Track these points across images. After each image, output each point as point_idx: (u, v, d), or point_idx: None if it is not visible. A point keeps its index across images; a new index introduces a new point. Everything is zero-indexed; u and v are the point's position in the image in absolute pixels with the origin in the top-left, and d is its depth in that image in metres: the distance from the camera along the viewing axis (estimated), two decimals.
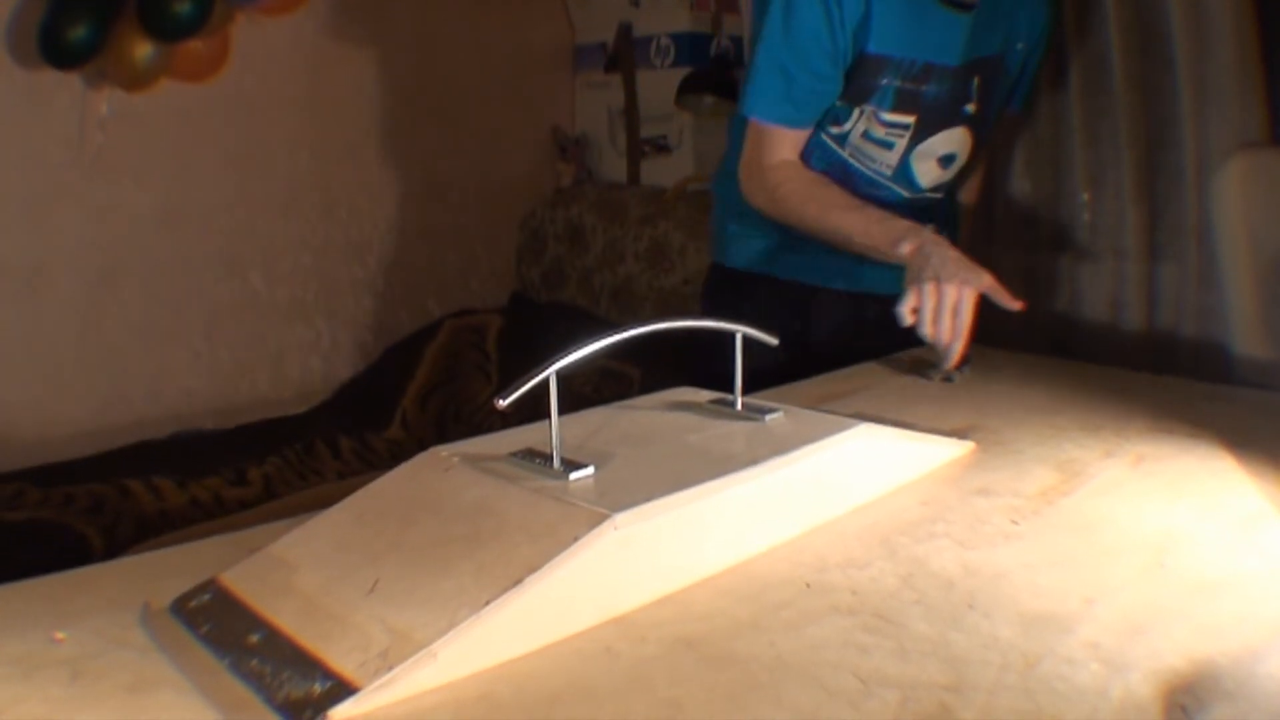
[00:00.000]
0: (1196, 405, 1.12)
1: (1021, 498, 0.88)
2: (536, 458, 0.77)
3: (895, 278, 1.54)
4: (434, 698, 0.59)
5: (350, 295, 3.20)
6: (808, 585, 0.72)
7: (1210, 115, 1.87)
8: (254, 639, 0.64)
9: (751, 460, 0.79)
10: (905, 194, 1.53)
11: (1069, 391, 1.20)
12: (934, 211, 1.59)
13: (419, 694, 0.59)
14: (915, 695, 0.58)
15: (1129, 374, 1.29)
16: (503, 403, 0.74)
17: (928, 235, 1.29)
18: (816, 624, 0.67)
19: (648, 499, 0.70)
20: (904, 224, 1.32)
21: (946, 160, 1.51)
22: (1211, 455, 0.97)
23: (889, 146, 1.47)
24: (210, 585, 0.72)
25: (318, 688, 0.59)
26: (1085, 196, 2.17)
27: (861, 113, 1.43)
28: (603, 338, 0.81)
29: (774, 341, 0.93)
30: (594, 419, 0.92)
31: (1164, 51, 1.91)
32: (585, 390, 2.55)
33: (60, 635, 0.66)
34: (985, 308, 1.25)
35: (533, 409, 0.79)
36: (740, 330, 0.91)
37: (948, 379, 1.24)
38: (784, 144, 1.44)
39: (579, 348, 0.79)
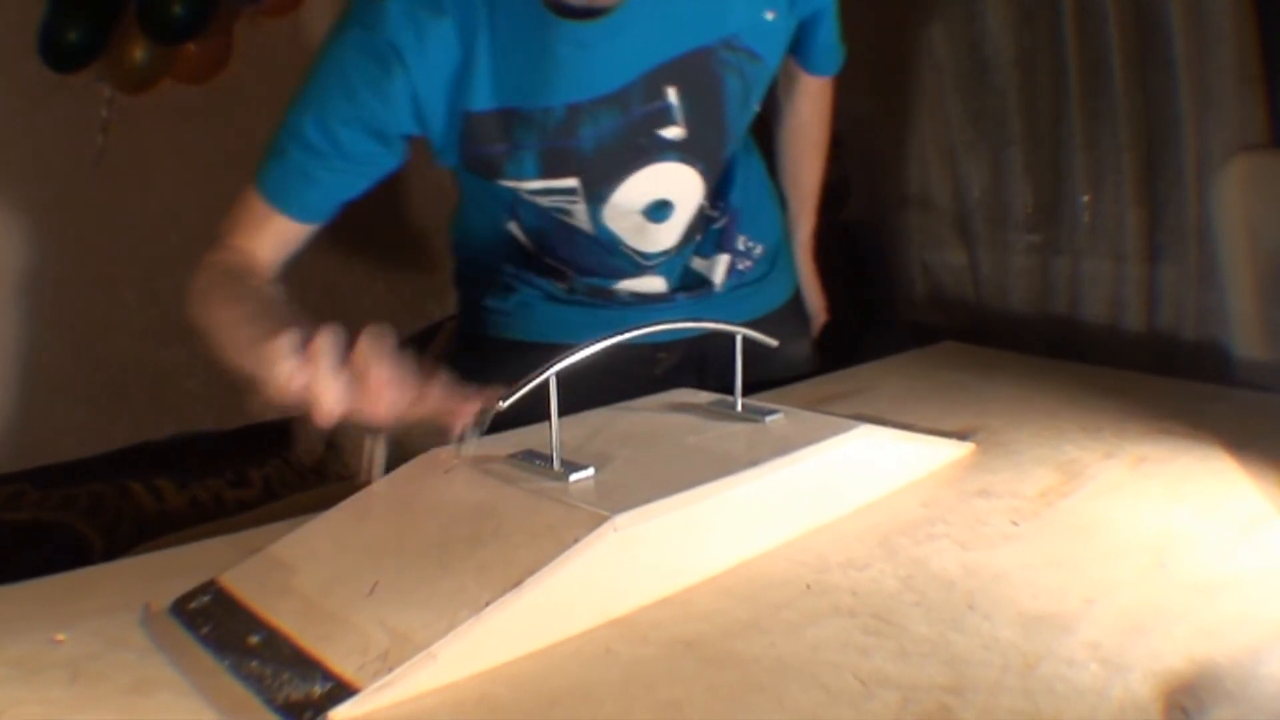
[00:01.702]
0: (1197, 406, 1.12)
1: (1021, 499, 0.88)
2: (536, 459, 0.77)
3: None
4: (434, 699, 0.59)
5: (349, 296, 3.20)
6: (808, 586, 0.72)
7: (1210, 118, 1.87)
8: (254, 640, 0.65)
9: (751, 461, 0.79)
10: (640, 261, 1.16)
11: (1069, 392, 1.20)
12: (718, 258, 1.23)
13: (419, 695, 0.59)
14: (915, 696, 0.58)
15: (1129, 375, 1.29)
16: (503, 404, 0.74)
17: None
18: (817, 625, 0.67)
19: (648, 500, 0.70)
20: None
21: (657, 212, 1.10)
22: (1211, 456, 0.97)
23: (566, 214, 1.09)
24: (210, 586, 0.72)
25: (318, 689, 0.59)
26: (1086, 198, 2.17)
27: (505, 186, 1.06)
28: (605, 338, 0.81)
29: (774, 343, 0.93)
30: (594, 420, 0.92)
31: (1164, 54, 1.92)
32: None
33: (60, 636, 0.66)
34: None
35: (533, 411, 0.79)
36: (740, 331, 0.91)
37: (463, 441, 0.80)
38: (271, 233, 1.02)
39: (579, 349, 0.79)
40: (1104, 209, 2.15)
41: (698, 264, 1.22)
